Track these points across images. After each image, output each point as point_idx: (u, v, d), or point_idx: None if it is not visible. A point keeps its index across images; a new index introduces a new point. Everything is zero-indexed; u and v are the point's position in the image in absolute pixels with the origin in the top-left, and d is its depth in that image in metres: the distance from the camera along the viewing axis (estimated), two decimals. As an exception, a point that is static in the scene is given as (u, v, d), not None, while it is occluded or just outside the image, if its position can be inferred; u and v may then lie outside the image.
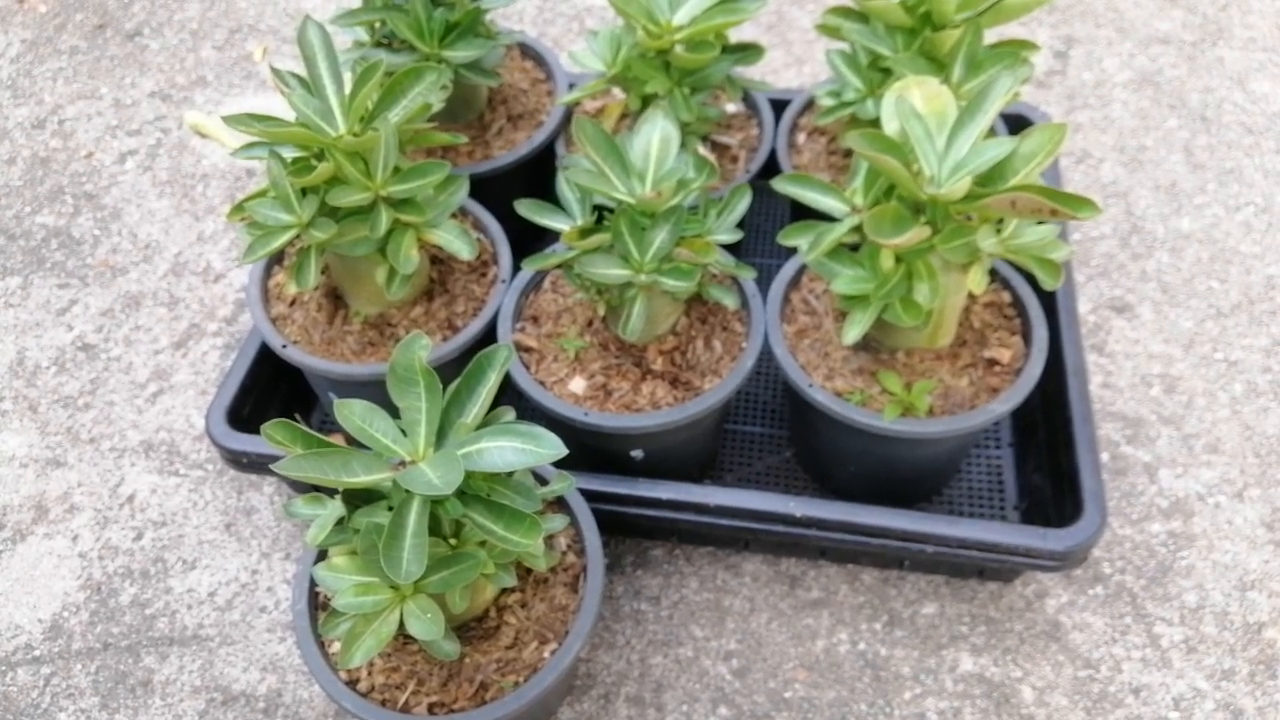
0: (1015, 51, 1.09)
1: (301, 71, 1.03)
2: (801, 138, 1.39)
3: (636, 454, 1.12)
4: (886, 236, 0.90)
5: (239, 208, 1.04)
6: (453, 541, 0.87)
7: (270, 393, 1.27)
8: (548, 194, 1.12)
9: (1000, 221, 0.97)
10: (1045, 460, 1.18)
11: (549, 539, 1.02)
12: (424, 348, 0.82)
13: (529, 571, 1.01)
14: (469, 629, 0.98)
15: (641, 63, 1.22)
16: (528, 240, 1.31)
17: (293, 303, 1.21)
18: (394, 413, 0.81)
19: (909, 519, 1.06)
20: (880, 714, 1.10)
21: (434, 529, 0.85)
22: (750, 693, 1.12)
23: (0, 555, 1.28)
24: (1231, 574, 1.18)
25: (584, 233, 1.05)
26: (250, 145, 1.04)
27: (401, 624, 0.84)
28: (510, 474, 0.86)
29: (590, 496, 1.06)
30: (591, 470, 1.11)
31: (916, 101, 0.91)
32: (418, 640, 0.94)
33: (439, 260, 1.24)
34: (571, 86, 1.45)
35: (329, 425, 1.34)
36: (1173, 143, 1.65)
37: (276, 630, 1.20)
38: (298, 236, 1.04)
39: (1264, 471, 1.26)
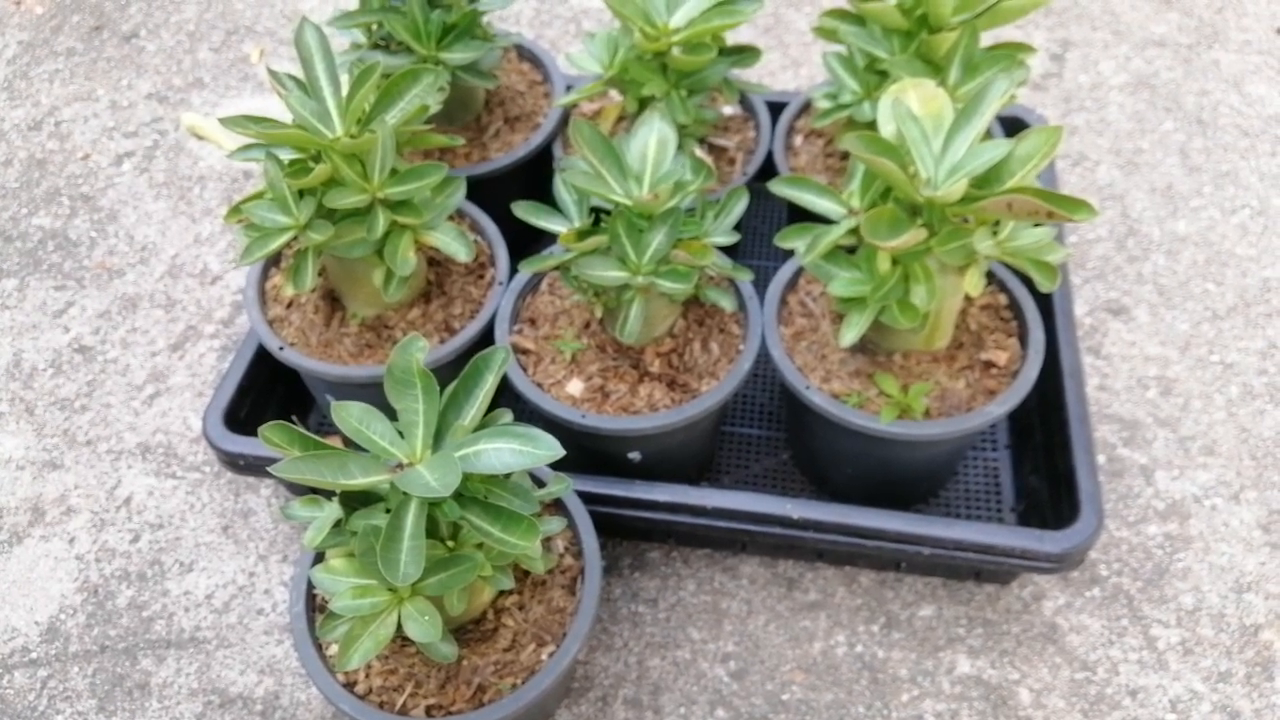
0: (1011, 54, 1.10)
1: (299, 73, 1.03)
2: (798, 140, 1.39)
3: (634, 456, 1.12)
4: (883, 239, 0.90)
5: (236, 209, 1.04)
6: (450, 544, 0.87)
7: (267, 395, 1.27)
8: (545, 196, 1.12)
9: (997, 224, 0.97)
10: (1042, 462, 1.18)
11: (546, 541, 1.02)
12: (421, 350, 0.82)
13: (527, 574, 1.01)
14: (467, 631, 0.98)
15: (639, 65, 1.22)
16: (525, 242, 1.31)
17: (290, 305, 1.21)
18: (391, 415, 0.81)
19: (906, 521, 1.06)
20: (878, 716, 1.10)
21: (431, 531, 0.85)
22: (748, 695, 1.12)
23: (-4, 558, 1.28)
24: (1228, 576, 1.18)
25: (581, 235, 1.05)
26: (247, 147, 1.04)
27: (399, 626, 0.84)
28: (508, 476, 0.86)
29: (588, 498, 1.06)
30: (589, 472, 1.11)
31: (913, 104, 0.92)
32: (415, 642, 0.94)
33: (436, 262, 1.24)
34: (569, 89, 1.45)
35: (326, 427, 1.34)
36: (1169, 145, 1.65)
37: (274, 632, 1.19)
38: (295, 238, 1.04)
39: (1260, 474, 1.26)
